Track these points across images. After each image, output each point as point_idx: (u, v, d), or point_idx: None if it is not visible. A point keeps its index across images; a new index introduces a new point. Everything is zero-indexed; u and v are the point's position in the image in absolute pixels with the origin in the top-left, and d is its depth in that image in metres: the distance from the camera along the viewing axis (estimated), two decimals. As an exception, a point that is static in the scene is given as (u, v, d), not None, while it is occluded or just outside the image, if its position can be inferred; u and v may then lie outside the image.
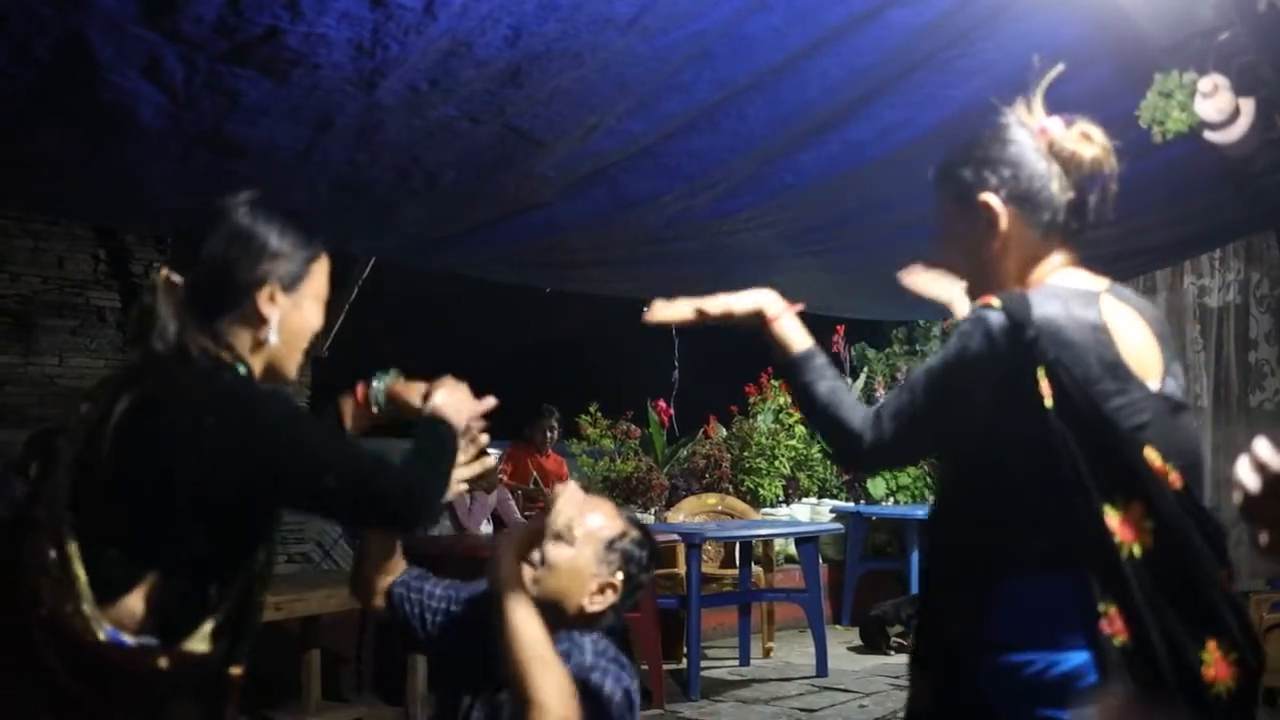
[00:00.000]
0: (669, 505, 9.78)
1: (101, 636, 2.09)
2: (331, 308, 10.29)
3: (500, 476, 8.77)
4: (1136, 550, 2.17)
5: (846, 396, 2.44)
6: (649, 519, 9.43)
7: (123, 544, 2.15)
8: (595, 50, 3.59)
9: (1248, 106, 3.78)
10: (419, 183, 4.53)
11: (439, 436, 2.44)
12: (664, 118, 4.16)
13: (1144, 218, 5.55)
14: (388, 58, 3.46)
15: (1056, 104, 4.12)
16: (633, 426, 11.15)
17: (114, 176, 4.45)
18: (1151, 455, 2.21)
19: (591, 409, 11.03)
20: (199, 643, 2.18)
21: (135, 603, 2.14)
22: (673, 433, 11.46)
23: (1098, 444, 2.20)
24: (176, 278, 2.27)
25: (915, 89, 4.01)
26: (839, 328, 12.65)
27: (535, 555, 2.66)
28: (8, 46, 3.30)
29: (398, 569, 2.88)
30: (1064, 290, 2.32)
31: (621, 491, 9.81)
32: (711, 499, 9.70)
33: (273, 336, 2.33)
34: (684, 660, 7.75)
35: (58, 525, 2.13)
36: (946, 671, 2.37)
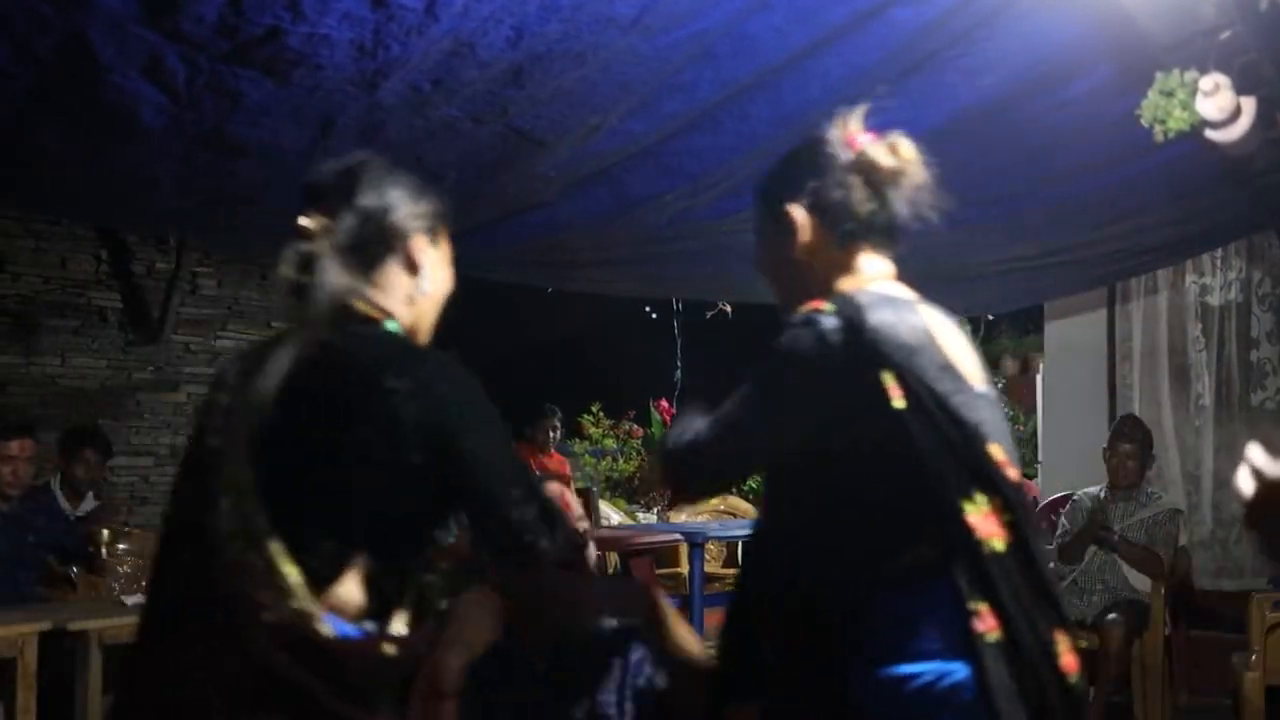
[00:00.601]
0: (671, 505, 9.78)
1: (329, 631, 2.02)
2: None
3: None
4: (998, 545, 2.19)
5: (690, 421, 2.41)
6: (651, 518, 9.44)
7: (324, 530, 2.07)
8: (597, 50, 3.59)
9: (1249, 105, 3.78)
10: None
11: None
12: (666, 117, 4.16)
13: (1145, 216, 5.56)
14: (389, 58, 3.46)
15: (1058, 104, 4.14)
16: (635, 426, 11.18)
17: (115, 177, 4.45)
18: (995, 450, 2.24)
19: (594, 408, 11.04)
20: (407, 621, 2.13)
21: (349, 590, 2.07)
22: (675, 432, 11.44)
23: (950, 441, 2.21)
24: (331, 224, 2.20)
25: (917, 88, 4.01)
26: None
27: None
28: (9, 46, 3.30)
29: None
30: (885, 297, 2.34)
31: (624, 491, 9.82)
32: (713, 498, 9.71)
33: (427, 284, 2.29)
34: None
35: (252, 527, 2.02)
36: (816, 692, 2.32)
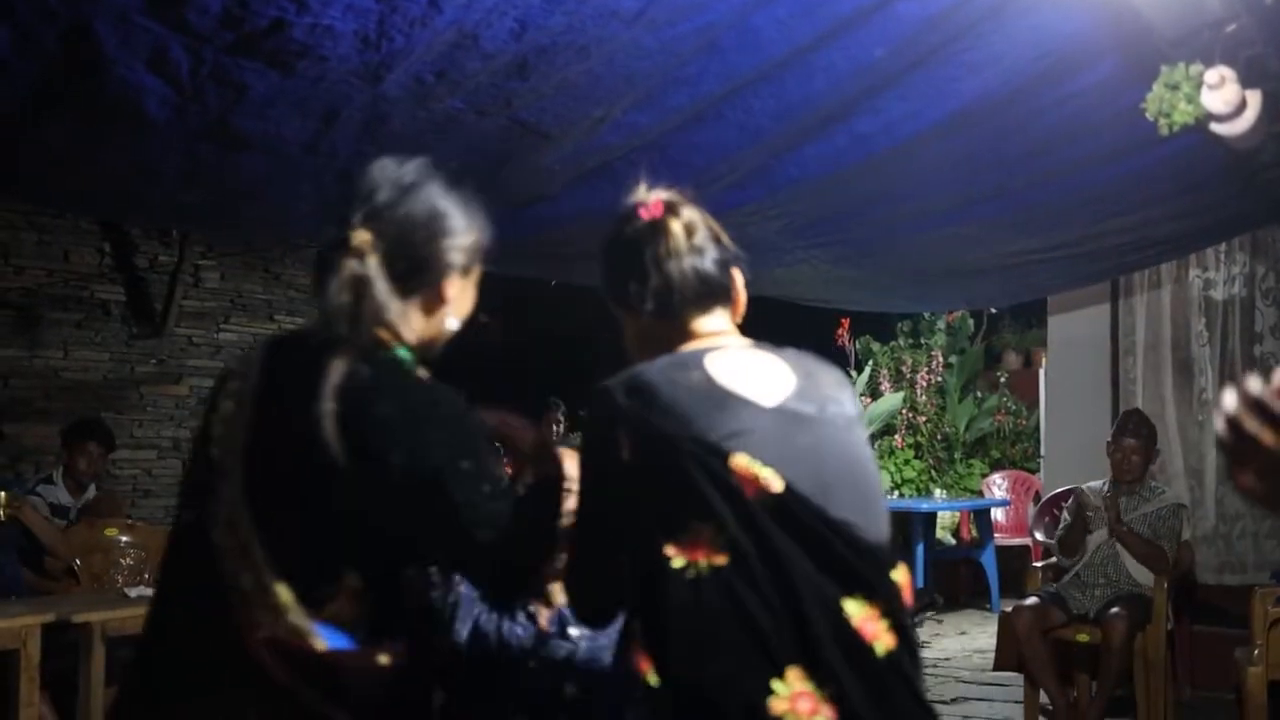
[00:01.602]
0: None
1: (323, 645, 2.03)
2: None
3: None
4: (704, 566, 2.03)
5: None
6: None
7: (314, 549, 2.08)
8: (601, 43, 3.59)
9: (1255, 99, 3.78)
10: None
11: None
12: (670, 110, 4.16)
13: (1150, 210, 5.55)
14: (393, 50, 3.46)
15: (1065, 97, 4.14)
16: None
17: (120, 169, 4.45)
18: (740, 461, 2.08)
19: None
20: (405, 635, 2.15)
21: (343, 606, 2.07)
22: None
23: (668, 473, 2.08)
24: (378, 242, 2.17)
25: (922, 82, 4.01)
26: (844, 321, 12.68)
27: None
28: (14, 36, 3.30)
29: None
30: (669, 359, 2.26)
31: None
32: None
33: (451, 320, 2.28)
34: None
35: (244, 545, 2.03)
36: None
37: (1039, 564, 7.30)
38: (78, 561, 6.41)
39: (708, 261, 2.33)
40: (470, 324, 2.39)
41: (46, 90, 3.63)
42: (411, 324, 2.23)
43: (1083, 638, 6.47)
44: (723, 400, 2.15)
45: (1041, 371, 10.48)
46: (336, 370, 2.05)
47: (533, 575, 2.25)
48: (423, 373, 2.20)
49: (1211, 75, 3.71)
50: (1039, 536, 7.79)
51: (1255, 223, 6.75)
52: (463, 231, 2.30)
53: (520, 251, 6.03)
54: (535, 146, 4.32)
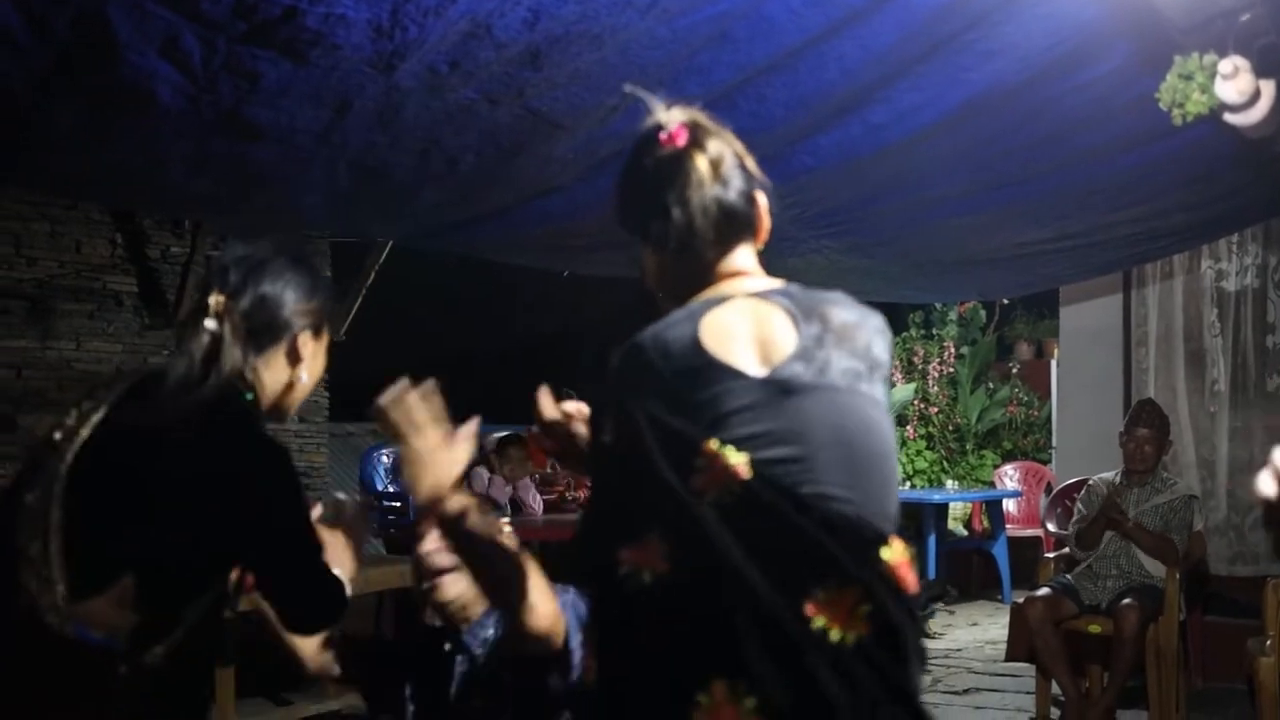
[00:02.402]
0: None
1: (68, 631, 2.17)
2: (349, 292, 10.33)
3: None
4: (647, 576, 1.96)
5: None
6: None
7: (102, 545, 2.24)
8: (614, 32, 3.58)
9: (1268, 89, 3.76)
10: (438, 166, 4.54)
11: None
12: (682, 100, 4.15)
13: (1162, 201, 5.54)
14: (407, 39, 3.46)
15: (1078, 86, 4.13)
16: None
17: (133, 158, 4.45)
18: (710, 447, 1.98)
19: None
20: (159, 657, 2.26)
21: (105, 606, 2.20)
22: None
23: (632, 468, 2.03)
24: (232, 304, 2.47)
25: (936, 71, 4.00)
26: (855, 311, 12.64)
27: None
28: (27, 22, 3.30)
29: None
30: (677, 314, 2.17)
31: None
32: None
33: (304, 375, 2.58)
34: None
35: (45, 516, 2.21)
36: None
37: (1051, 555, 7.29)
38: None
39: (733, 194, 2.25)
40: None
41: (58, 76, 3.63)
42: (263, 376, 2.53)
43: (1095, 629, 6.46)
44: (707, 373, 2.04)
45: (1053, 362, 10.47)
46: (181, 404, 2.32)
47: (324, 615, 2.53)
48: (255, 417, 2.50)
49: (1225, 65, 3.70)
50: (1051, 528, 7.78)
51: (1268, 213, 6.74)
52: (306, 299, 2.59)
53: (534, 242, 6.04)
54: (548, 136, 4.32)
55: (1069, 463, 8.69)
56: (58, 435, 2.31)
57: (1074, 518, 6.84)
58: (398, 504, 8.93)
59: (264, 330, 2.51)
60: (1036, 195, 5.43)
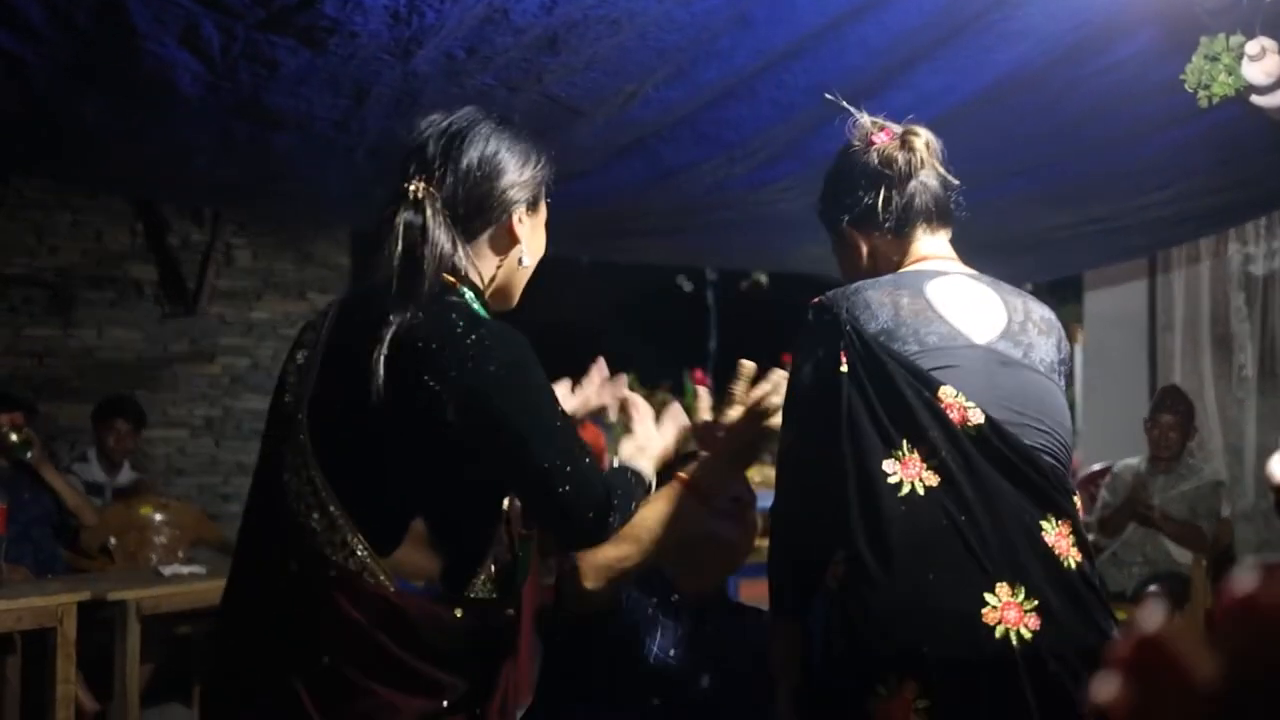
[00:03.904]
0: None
1: (393, 587, 2.05)
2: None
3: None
4: (919, 487, 2.21)
5: None
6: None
7: (381, 493, 2.09)
8: (633, 17, 3.56)
9: (1296, 70, 3.72)
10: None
11: (632, 483, 2.32)
12: (702, 86, 4.13)
13: (1188, 184, 5.50)
14: (424, 25, 3.44)
15: (1103, 69, 4.09)
16: (670, 397, 11.15)
17: (154, 147, 4.46)
18: (946, 392, 2.26)
19: (629, 378, 11.05)
20: (483, 589, 2.16)
21: (412, 553, 2.09)
22: (711, 403, 11.44)
23: (887, 393, 2.26)
24: (435, 191, 2.16)
25: (959, 54, 3.96)
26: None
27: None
28: (47, 13, 3.29)
29: None
30: (891, 278, 2.45)
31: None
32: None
33: (525, 258, 2.28)
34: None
35: (313, 487, 2.07)
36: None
37: (1075, 541, 7.25)
38: (113, 540, 6.43)
39: (940, 182, 2.54)
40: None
41: (80, 66, 3.63)
42: (482, 266, 2.23)
43: (1120, 616, 6.42)
44: (938, 331, 2.31)
45: (1078, 348, 10.42)
46: (395, 317, 2.05)
47: (605, 528, 2.19)
48: (483, 313, 2.17)
49: (1252, 46, 3.66)
50: (1076, 514, 7.73)
51: (1295, 196, 6.68)
52: (520, 169, 2.26)
53: (554, 229, 6.02)
54: (567, 122, 4.30)
55: (1094, 449, 8.64)
56: (288, 399, 2.17)
57: (1099, 504, 6.80)
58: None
59: (474, 214, 2.19)
60: (1061, 179, 5.39)
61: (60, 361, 8.42)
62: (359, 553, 2.04)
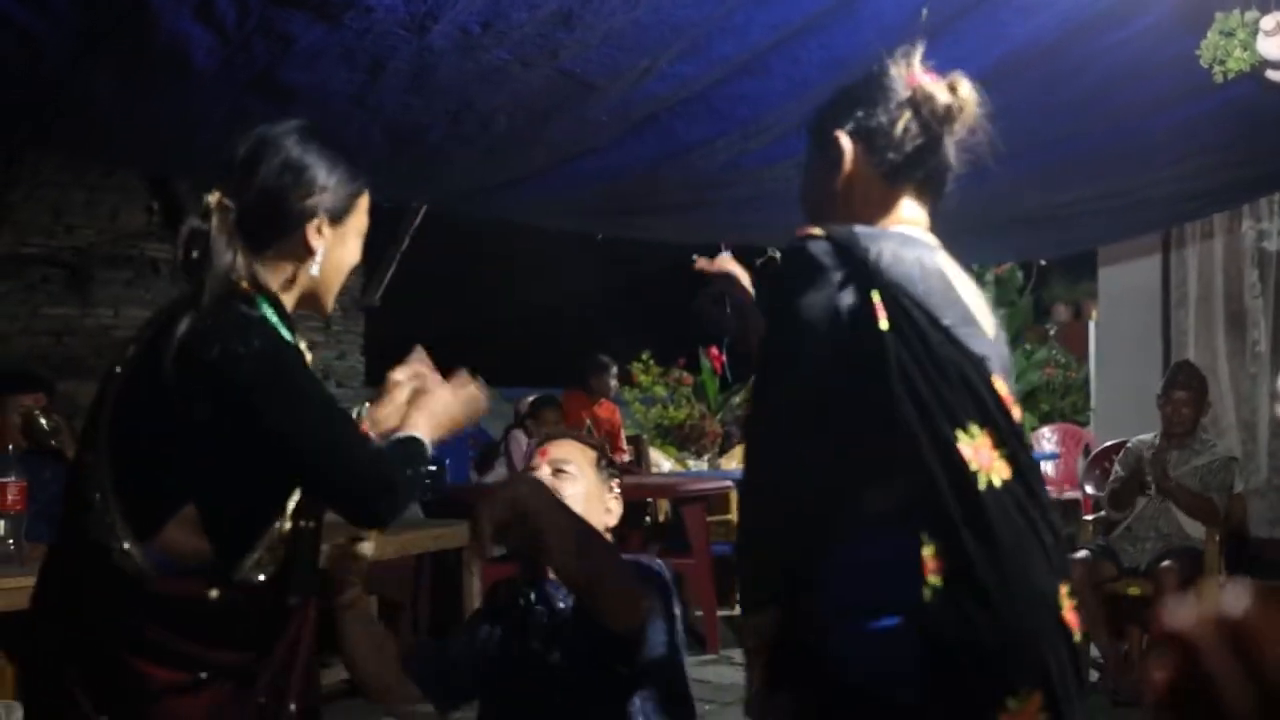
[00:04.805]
0: (722, 452, 9.78)
1: (145, 565, 2.16)
2: (383, 259, 10.36)
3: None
4: (995, 479, 2.03)
5: None
6: (702, 466, 9.44)
7: (153, 477, 2.23)
8: (648, -9, 3.56)
9: (1312, 45, 3.72)
10: (471, 128, 4.52)
11: (412, 452, 2.37)
12: (716, 61, 4.13)
13: (1203, 159, 5.48)
14: (439, 0, 3.45)
15: (1118, 43, 4.08)
16: (685, 374, 11.17)
17: (168, 123, 4.46)
18: (999, 384, 2.12)
19: (644, 356, 11.04)
20: (247, 573, 2.24)
21: (176, 534, 2.19)
22: (725, 379, 11.45)
23: (944, 366, 2.06)
24: (228, 202, 2.26)
25: (973, 27, 3.95)
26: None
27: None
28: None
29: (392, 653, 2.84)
30: (898, 234, 2.21)
31: (675, 438, 9.82)
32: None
33: (315, 270, 2.35)
34: (737, 606, 7.76)
35: (100, 466, 2.22)
36: (792, 653, 2.12)
37: (1089, 517, 7.26)
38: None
39: (952, 153, 2.32)
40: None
41: (94, 41, 3.64)
42: (273, 274, 2.32)
43: (1134, 591, 6.43)
44: (959, 312, 2.16)
45: (1092, 324, 10.41)
46: (181, 321, 2.20)
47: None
48: (270, 319, 2.28)
49: (1267, 21, 3.66)
50: (1089, 490, 7.74)
51: (1311, 172, 6.67)
52: (322, 182, 2.34)
53: (569, 206, 6.02)
54: (581, 98, 4.30)
55: (1108, 425, 8.64)
56: (107, 387, 2.32)
57: (1111, 479, 6.80)
58: (434, 469, 8.96)
59: (266, 225, 2.29)
60: (1075, 154, 5.38)
61: (78, 340, 8.47)
62: (117, 531, 2.17)
